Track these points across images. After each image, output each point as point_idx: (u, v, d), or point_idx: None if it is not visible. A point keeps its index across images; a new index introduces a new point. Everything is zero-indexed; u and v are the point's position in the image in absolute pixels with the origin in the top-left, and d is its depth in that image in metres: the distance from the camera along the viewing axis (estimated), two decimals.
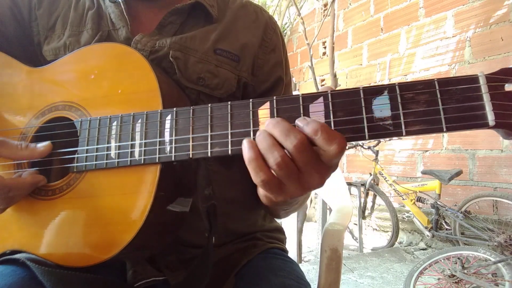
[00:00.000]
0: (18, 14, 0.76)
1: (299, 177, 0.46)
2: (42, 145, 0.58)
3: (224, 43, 0.76)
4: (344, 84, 5.06)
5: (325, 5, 5.18)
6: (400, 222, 3.91)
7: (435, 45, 3.94)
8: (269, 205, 0.58)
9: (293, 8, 5.42)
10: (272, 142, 0.45)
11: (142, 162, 0.54)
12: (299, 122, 0.46)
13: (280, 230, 0.90)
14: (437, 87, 0.44)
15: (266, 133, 0.45)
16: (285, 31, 5.99)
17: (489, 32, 3.49)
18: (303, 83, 6.02)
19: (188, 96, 0.71)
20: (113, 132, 0.57)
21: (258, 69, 0.80)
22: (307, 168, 0.45)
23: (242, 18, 0.82)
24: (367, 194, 4.02)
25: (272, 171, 0.45)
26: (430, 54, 3.98)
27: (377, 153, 3.91)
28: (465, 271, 2.23)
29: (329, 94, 0.47)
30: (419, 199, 3.62)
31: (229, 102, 0.51)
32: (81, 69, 0.64)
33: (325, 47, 5.37)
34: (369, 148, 3.95)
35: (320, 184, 0.47)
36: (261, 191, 0.53)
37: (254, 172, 0.45)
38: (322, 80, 5.50)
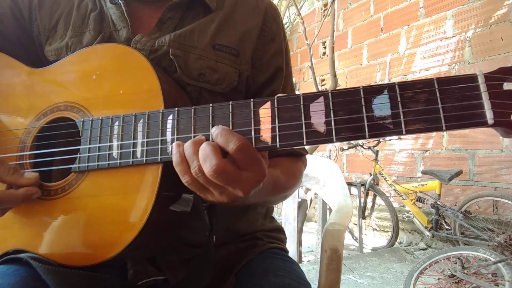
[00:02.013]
0: (18, 14, 0.76)
1: (220, 188, 0.49)
2: (29, 176, 0.59)
3: (223, 37, 0.76)
4: (344, 84, 5.06)
5: (325, 5, 5.18)
6: (400, 222, 3.91)
7: (435, 45, 3.94)
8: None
9: (293, 8, 5.42)
10: (194, 151, 0.48)
11: (144, 162, 0.54)
12: (212, 128, 0.50)
13: (280, 230, 0.90)
14: (436, 86, 0.45)
15: (190, 143, 0.49)
16: (285, 31, 5.99)
17: (489, 32, 3.49)
18: (303, 83, 6.03)
19: (190, 93, 0.71)
20: (115, 132, 0.57)
21: (258, 60, 0.79)
22: (227, 184, 0.48)
23: (241, 7, 0.81)
24: (367, 194, 4.02)
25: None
26: (430, 54, 3.98)
27: (377, 153, 3.92)
28: (465, 271, 2.23)
29: (330, 94, 0.48)
30: (419, 199, 3.62)
31: (230, 102, 0.51)
32: (82, 70, 0.65)
33: (325, 47, 5.37)
34: (369, 148, 3.95)
35: (245, 195, 0.49)
36: None
37: (181, 175, 0.50)
38: (322, 80, 5.50)
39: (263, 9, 0.82)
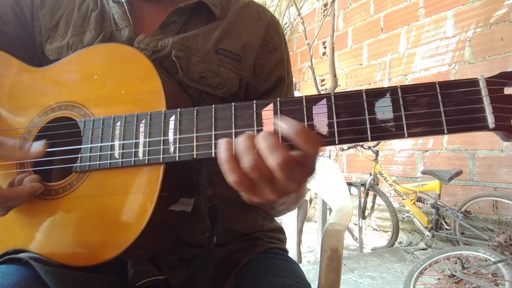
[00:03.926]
0: (20, 13, 0.76)
1: (273, 183, 0.46)
2: (37, 145, 0.59)
3: (226, 43, 0.76)
4: (344, 84, 5.06)
5: (325, 5, 5.18)
6: (400, 222, 3.91)
7: (435, 45, 3.94)
8: (253, 205, 0.57)
9: (293, 8, 5.42)
10: (250, 145, 0.45)
11: (146, 162, 0.54)
12: (278, 121, 0.47)
13: (280, 230, 0.91)
14: (438, 90, 0.45)
15: (245, 137, 0.46)
16: (285, 31, 5.99)
17: (489, 32, 3.49)
18: (303, 83, 6.03)
19: (191, 96, 0.71)
20: (117, 132, 0.57)
21: (260, 68, 0.80)
22: (287, 178, 0.45)
23: (244, 17, 0.82)
24: (367, 194, 4.02)
25: (246, 173, 0.46)
26: (430, 54, 3.98)
27: (377, 153, 3.92)
28: (465, 271, 2.23)
29: (332, 96, 0.48)
30: (419, 199, 3.62)
31: (232, 103, 0.51)
32: (84, 69, 0.65)
33: (325, 47, 5.37)
34: (369, 148, 3.95)
35: (297, 190, 0.47)
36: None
37: (228, 173, 0.47)
38: (322, 80, 5.50)
39: (266, 21, 0.84)
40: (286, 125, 0.46)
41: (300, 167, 0.45)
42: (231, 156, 0.46)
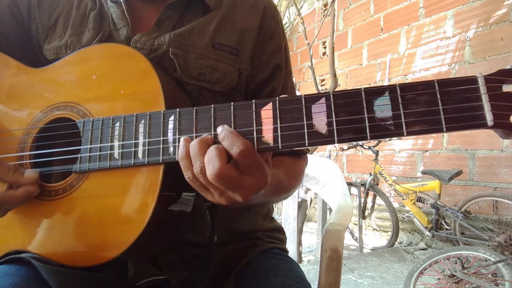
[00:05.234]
0: (17, 13, 0.76)
1: (219, 191, 0.49)
2: (28, 175, 0.59)
3: (222, 36, 0.75)
4: (344, 84, 5.06)
5: (325, 5, 5.18)
6: (400, 222, 3.91)
7: (435, 45, 3.94)
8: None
9: (293, 8, 5.42)
10: (199, 150, 0.48)
11: (146, 162, 0.54)
12: (218, 128, 0.50)
13: (280, 230, 0.90)
14: (437, 88, 0.45)
15: (197, 142, 0.49)
16: (285, 31, 5.99)
17: (489, 32, 3.49)
18: (303, 83, 6.03)
19: (190, 92, 0.71)
20: (116, 132, 0.57)
21: (257, 58, 0.79)
22: (227, 189, 0.48)
23: (240, 5, 0.80)
24: (367, 194, 4.02)
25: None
26: (430, 54, 3.98)
27: (377, 153, 3.92)
28: (465, 271, 2.23)
29: (331, 95, 0.48)
30: (419, 199, 3.62)
31: (231, 103, 0.51)
32: (82, 70, 0.65)
33: (325, 47, 5.37)
34: (369, 148, 3.95)
35: (244, 200, 0.49)
36: None
37: (183, 170, 0.50)
38: (322, 80, 5.50)
39: (262, 7, 0.82)
40: (219, 131, 0.49)
41: (242, 178, 0.47)
42: (188, 155, 0.49)
